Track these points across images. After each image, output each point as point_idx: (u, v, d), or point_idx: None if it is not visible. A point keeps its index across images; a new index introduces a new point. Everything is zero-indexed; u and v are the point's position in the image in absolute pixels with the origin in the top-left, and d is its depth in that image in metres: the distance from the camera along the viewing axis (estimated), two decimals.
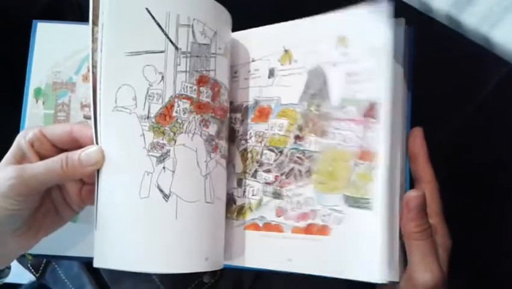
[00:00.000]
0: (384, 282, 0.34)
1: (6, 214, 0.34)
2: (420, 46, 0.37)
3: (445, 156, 0.39)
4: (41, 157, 0.36)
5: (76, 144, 0.37)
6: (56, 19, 0.44)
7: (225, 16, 0.40)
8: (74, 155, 0.35)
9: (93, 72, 0.35)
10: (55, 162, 0.35)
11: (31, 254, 0.44)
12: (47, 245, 0.39)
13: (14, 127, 0.44)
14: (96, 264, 0.36)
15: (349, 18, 0.37)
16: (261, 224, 0.40)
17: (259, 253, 0.39)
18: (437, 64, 0.41)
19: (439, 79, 0.42)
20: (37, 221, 0.37)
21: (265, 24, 0.41)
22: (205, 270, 0.37)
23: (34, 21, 0.44)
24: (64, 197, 0.39)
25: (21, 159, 0.36)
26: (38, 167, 0.35)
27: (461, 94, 0.43)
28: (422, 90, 0.38)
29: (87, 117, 0.44)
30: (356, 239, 0.35)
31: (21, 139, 0.36)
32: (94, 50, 0.35)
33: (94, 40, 0.35)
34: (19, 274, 0.53)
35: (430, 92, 0.40)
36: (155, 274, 0.48)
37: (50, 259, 0.50)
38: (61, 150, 0.37)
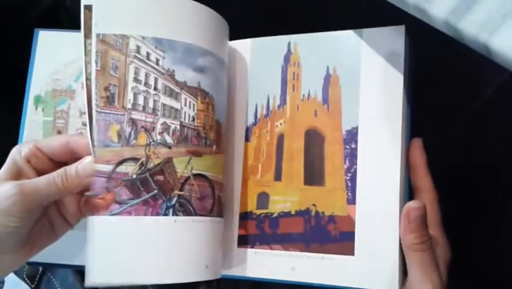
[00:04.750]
0: None
1: (7, 231, 0.33)
2: (418, 52, 0.38)
3: (444, 164, 0.39)
4: (38, 172, 0.36)
5: (73, 156, 0.36)
6: (53, 26, 0.44)
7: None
8: (72, 168, 0.35)
9: (86, 84, 0.35)
10: (55, 177, 0.34)
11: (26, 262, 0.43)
12: (43, 253, 0.39)
13: (13, 134, 0.43)
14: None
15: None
16: None
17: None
18: (434, 71, 0.41)
19: (437, 86, 0.42)
20: (32, 237, 0.36)
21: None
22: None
23: (35, 29, 0.44)
24: (60, 211, 0.38)
25: (17, 175, 0.35)
26: (39, 182, 0.34)
27: (460, 101, 0.42)
28: (420, 97, 0.38)
29: (85, 124, 0.43)
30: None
31: (16, 155, 0.36)
32: (87, 63, 0.35)
33: (87, 53, 0.35)
34: (15, 284, 0.52)
35: (429, 99, 0.40)
36: (151, 285, 0.48)
37: (46, 267, 0.50)
38: (58, 163, 0.36)
